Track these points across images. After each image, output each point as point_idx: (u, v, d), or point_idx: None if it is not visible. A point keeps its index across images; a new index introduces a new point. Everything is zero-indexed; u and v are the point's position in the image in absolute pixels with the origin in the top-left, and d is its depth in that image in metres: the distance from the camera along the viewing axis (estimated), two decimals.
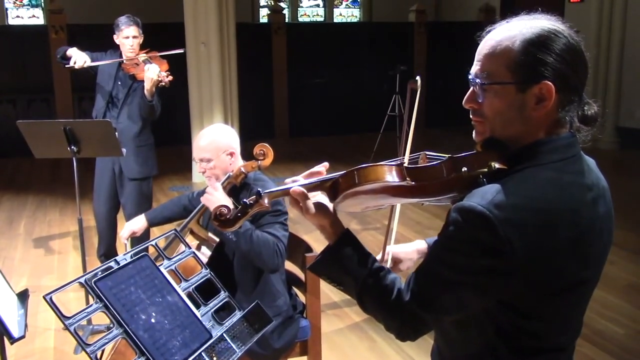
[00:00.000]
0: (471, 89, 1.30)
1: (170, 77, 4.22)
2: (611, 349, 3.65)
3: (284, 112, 10.75)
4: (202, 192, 3.03)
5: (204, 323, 1.68)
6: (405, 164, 1.34)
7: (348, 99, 10.78)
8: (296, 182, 1.34)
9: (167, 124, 10.04)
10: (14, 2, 10.63)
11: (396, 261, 1.72)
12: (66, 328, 1.42)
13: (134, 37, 4.30)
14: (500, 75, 1.24)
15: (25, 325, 2.25)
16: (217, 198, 2.67)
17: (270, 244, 2.57)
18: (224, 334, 1.71)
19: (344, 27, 12.24)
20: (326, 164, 1.40)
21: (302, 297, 2.95)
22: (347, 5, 12.65)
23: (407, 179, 1.26)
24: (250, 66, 9.70)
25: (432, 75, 10.61)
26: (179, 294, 1.68)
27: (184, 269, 1.88)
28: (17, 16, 10.65)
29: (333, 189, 1.30)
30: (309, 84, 10.83)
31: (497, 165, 1.24)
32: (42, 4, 10.64)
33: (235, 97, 7.82)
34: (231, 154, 2.75)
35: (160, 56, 4.41)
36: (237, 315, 1.80)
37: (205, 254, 2.67)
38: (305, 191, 1.32)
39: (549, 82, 1.21)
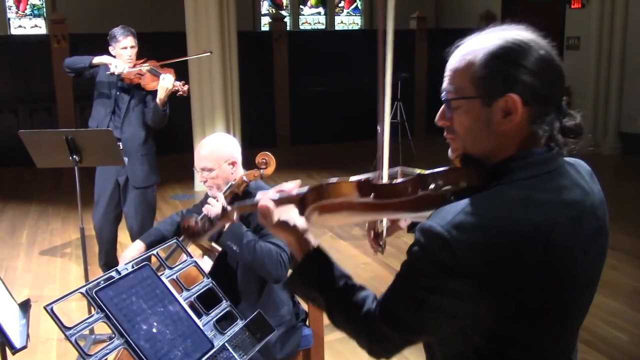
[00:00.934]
0: (442, 105, 1.28)
1: (187, 86, 4.27)
2: (615, 355, 3.63)
3: (285, 120, 10.75)
4: (192, 210, 3.04)
5: (205, 333, 1.67)
6: (380, 180, 1.31)
7: (350, 106, 10.79)
8: (266, 196, 1.34)
9: (168, 132, 10.08)
10: (17, 12, 10.67)
11: (393, 219, 1.62)
12: (67, 338, 1.41)
13: (132, 47, 4.32)
14: (465, 89, 1.21)
15: (27, 335, 2.25)
16: (218, 208, 2.66)
17: (273, 254, 2.56)
18: (226, 344, 1.71)
19: (345, 34, 12.26)
20: (299, 181, 1.38)
21: (304, 305, 2.94)
22: (348, 12, 12.68)
23: (372, 195, 1.23)
24: (252, 74, 9.71)
25: (433, 82, 10.62)
26: (180, 304, 1.67)
27: (185, 278, 1.88)
28: (20, 26, 10.69)
29: (301, 203, 1.30)
30: (310, 91, 10.83)
31: (465, 184, 1.21)
32: (45, 14, 10.68)
33: (237, 105, 7.83)
34: (233, 163, 2.75)
35: (160, 65, 4.42)
36: (239, 324, 1.79)
37: (208, 263, 2.67)
38: (271, 205, 1.31)
39: (514, 95, 1.17)
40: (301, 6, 12.32)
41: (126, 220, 4.45)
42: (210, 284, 1.84)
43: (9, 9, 10.60)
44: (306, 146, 10.45)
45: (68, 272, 5.05)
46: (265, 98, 10.46)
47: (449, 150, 1.30)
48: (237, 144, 2.84)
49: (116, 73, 4.21)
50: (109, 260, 4.52)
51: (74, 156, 3.67)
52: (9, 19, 10.59)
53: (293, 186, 1.36)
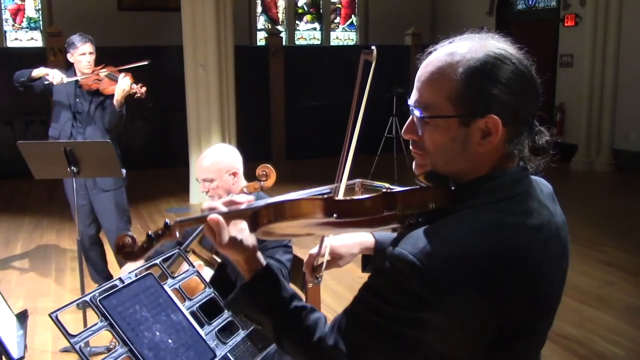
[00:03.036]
0: (410, 117, 1.19)
1: (145, 88, 4.30)
2: None
3: (281, 134, 10.78)
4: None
5: (208, 342, 1.67)
6: (337, 195, 1.23)
7: (345, 121, 10.77)
8: (214, 210, 1.21)
9: (164, 146, 10.12)
10: (13, 25, 10.69)
11: (335, 256, 1.53)
12: (72, 346, 1.41)
13: (90, 53, 4.38)
14: (441, 107, 1.12)
15: (25, 346, 2.23)
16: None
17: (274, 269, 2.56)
18: (228, 354, 1.70)
19: (341, 50, 12.33)
20: (251, 197, 1.26)
21: None
22: (343, 28, 12.75)
23: (334, 215, 1.14)
24: (248, 88, 9.75)
25: None
26: (183, 313, 1.67)
27: (186, 288, 1.88)
28: (16, 39, 10.69)
29: (253, 220, 1.19)
30: (306, 106, 10.87)
31: (434, 205, 1.14)
32: (41, 27, 10.70)
33: (233, 119, 7.85)
34: (234, 174, 2.77)
35: (119, 70, 4.44)
36: (241, 334, 1.79)
37: (208, 274, 2.66)
38: (222, 220, 1.18)
39: (495, 116, 1.10)
40: (297, 22, 12.39)
41: (103, 226, 4.51)
42: (212, 294, 1.84)
43: (6, 21, 10.61)
44: (301, 160, 10.46)
45: (62, 284, 5.02)
46: (261, 112, 10.49)
47: (414, 164, 1.22)
48: (238, 155, 2.86)
49: (54, 83, 4.24)
50: (98, 269, 4.56)
51: (72, 167, 3.67)
52: (5, 32, 10.60)
53: (244, 199, 1.24)
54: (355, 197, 1.16)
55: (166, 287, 1.70)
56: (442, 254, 1.06)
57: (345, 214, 1.13)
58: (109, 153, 3.72)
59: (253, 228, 1.20)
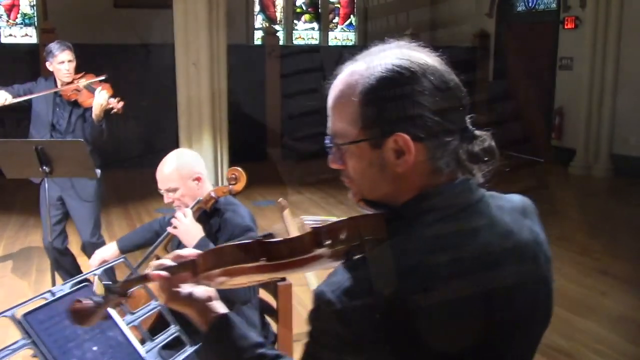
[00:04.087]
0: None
1: (122, 103, 4.17)
2: None
3: (276, 135, 10.66)
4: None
5: None
6: (268, 238, 1.16)
7: None
8: (160, 266, 1.19)
9: (155, 146, 9.99)
10: (7, 21, 10.59)
11: None
12: None
13: (69, 61, 4.24)
14: (348, 133, 1.06)
15: None
16: (185, 225, 2.56)
17: None
18: None
19: (339, 50, 12.21)
20: (198, 251, 1.22)
21: (274, 326, 2.82)
22: (342, 28, 12.64)
23: (262, 258, 1.08)
24: (244, 87, 9.64)
25: None
26: (120, 329, 1.55)
27: (132, 300, 1.76)
28: (10, 35, 10.60)
29: (193, 269, 1.16)
30: (302, 106, 10.75)
31: (366, 236, 1.05)
32: (36, 23, 10.61)
33: (225, 119, 7.72)
34: (198, 179, 2.64)
35: (100, 80, 4.31)
36: (188, 350, 1.67)
37: None
38: (166, 275, 1.16)
39: (402, 134, 1.01)
40: (295, 21, 12.29)
41: (81, 236, 4.39)
42: (159, 307, 1.72)
43: (0, 17, 10.53)
44: (297, 161, 10.35)
45: (41, 286, 4.90)
46: (256, 112, 10.38)
47: (349, 194, 1.14)
48: (199, 158, 2.74)
49: None
50: (72, 274, 4.44)
51: (44, 167, 3.55)
52: None
53: (189, 253, 1.20)
54: (283, 238, 1.09)
55: None
56: (363, 290, 0.96)
57: (274, 257, 1.07)
58: (82, 152, 3.60)
59: (195, 279, 1.17)
